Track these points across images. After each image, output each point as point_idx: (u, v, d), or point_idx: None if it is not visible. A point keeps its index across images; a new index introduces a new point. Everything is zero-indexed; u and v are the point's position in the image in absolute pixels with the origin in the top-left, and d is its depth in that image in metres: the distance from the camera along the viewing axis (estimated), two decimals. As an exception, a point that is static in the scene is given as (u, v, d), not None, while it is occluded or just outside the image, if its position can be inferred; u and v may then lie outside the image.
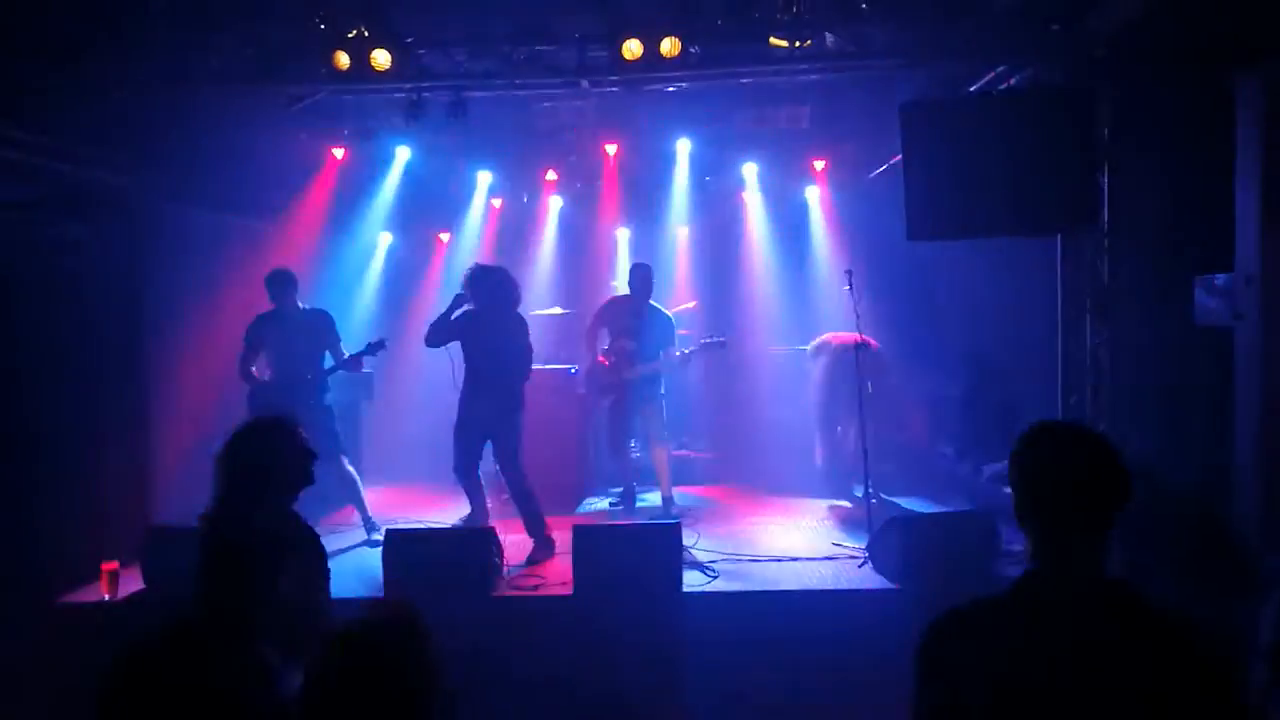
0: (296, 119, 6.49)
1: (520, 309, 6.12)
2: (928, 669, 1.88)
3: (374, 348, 6.19)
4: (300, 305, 6.35)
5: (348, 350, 6.25)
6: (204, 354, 6.83)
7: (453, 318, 6.05)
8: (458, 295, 6.10)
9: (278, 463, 2.99)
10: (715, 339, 7.06)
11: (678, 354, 6.99)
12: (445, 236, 9.63)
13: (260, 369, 6.24)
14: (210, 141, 6.42)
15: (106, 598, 5.05)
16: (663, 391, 7.08)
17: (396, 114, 6.24)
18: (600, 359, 7.05)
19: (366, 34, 5.46)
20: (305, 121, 6.88)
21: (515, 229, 9.51)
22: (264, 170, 7.19)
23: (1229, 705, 1.71)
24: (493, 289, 5.98)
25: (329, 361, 6.28)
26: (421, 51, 5.71)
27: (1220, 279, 4.57)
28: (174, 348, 6.53)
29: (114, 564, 5.08)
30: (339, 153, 7.81)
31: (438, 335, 6.04)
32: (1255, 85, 4.41)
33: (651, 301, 7.08)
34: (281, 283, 6.28)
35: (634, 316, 7.00)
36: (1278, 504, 4.10)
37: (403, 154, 8.01)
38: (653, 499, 7.71)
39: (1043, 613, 1.81)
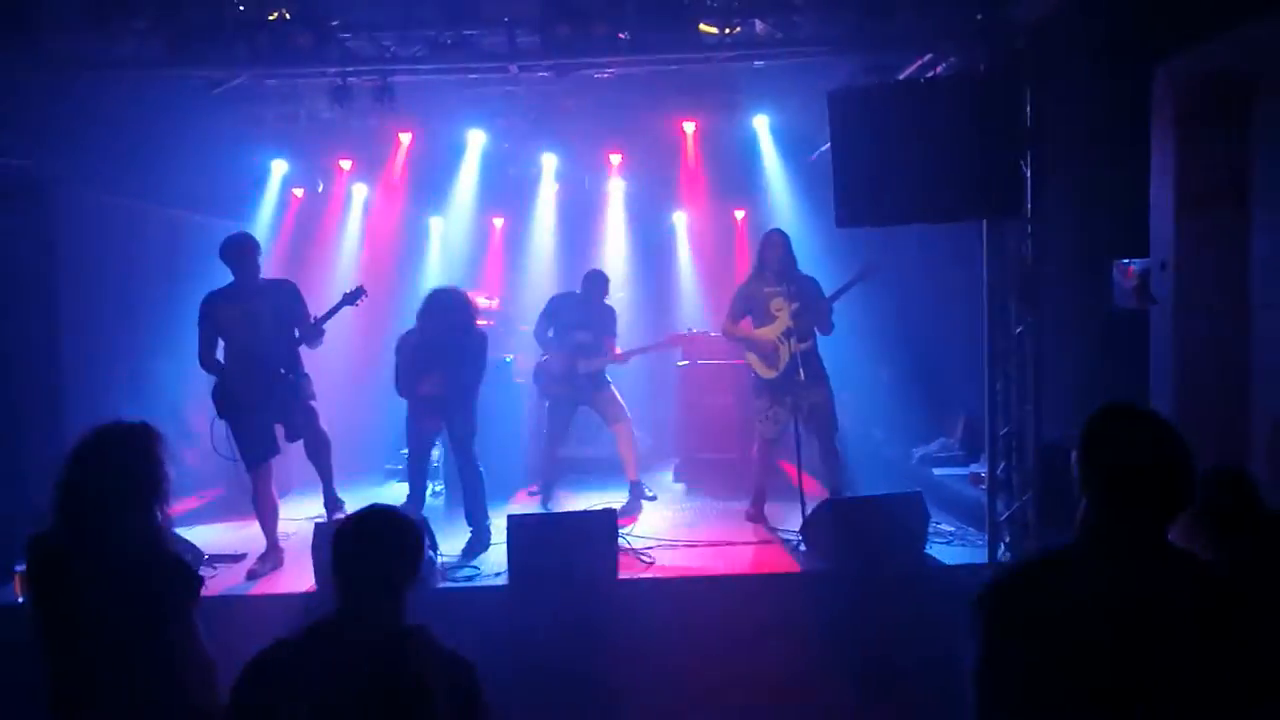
0: (218, 104, 6.30)
1: (479, 324, 6.06)
2: (990, 625, 1.90)
3: (352, 296, 5.59)
4: (262, 277, 5.60)
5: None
6: (125, 347, 6.62)
7: (406, 352, 5.94)
8: (402, 338, 5.99)
9: (129, 476, 2.59)
10: (666, 342, 7.19)
11: (620, 350, 7.04)
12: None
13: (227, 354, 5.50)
14: (129, 128, 6.20)
15: (21, 600, 4.87)
16: (609, 379, 7.10)
17: (323, 98, 6.09)
18: (558, 352, 7.00)
19: (288, 16, 5.32)
20: (228, 107, 6.68)
21: (447, 216, 9.38)
22: (186, 157, 6.96)
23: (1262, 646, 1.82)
24: (447, 313, 5.86)
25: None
26: (346, 36, 5.58)
27: (1137, 264, 4.72)
28: (93, 340, 6.30)
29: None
30: (263, 139, 7.60)
31: (408, 384, 5.92)
32: (1169, 76, 4.55)
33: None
34: (240, 250, 5.44)
35: (584, 310, 6.99)
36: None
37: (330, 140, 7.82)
38: (589, 487, 7.73)
39: (1106, 567, 1.86)
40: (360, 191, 9.26)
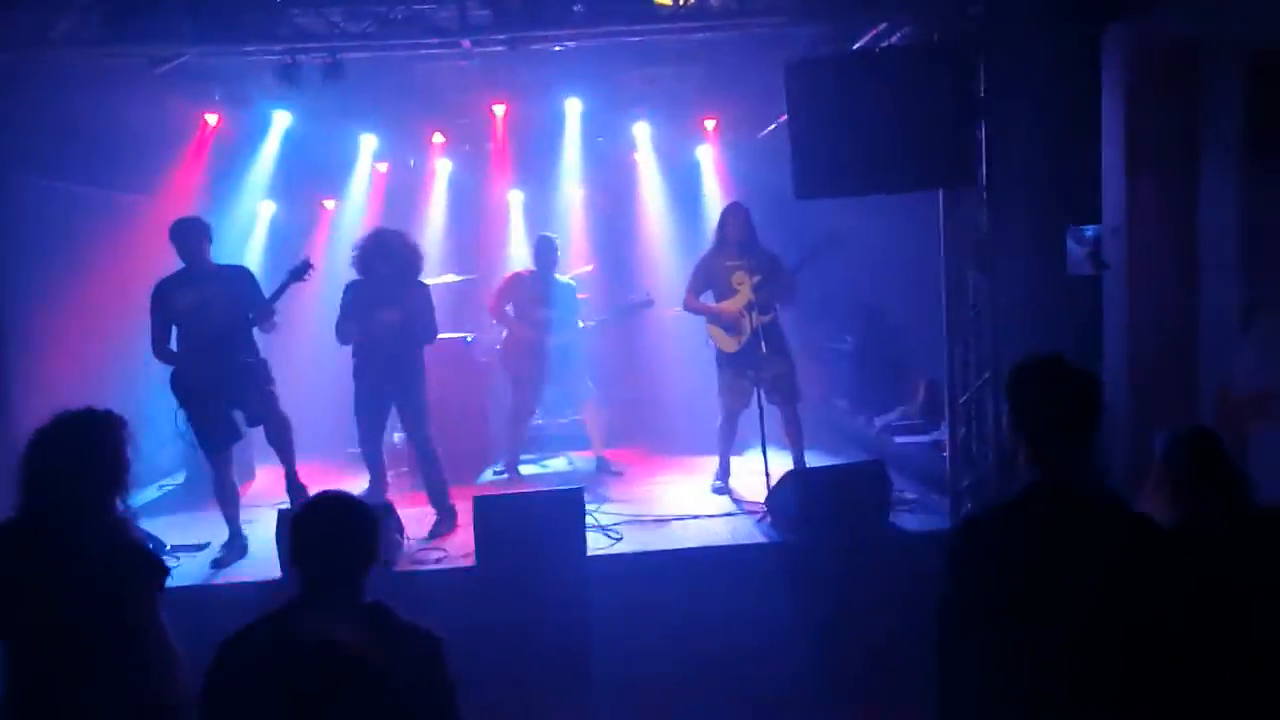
0: (162, 84, 6.13)
1: (421, 276, 5.95)
2: (951, 565, 2.23)
3: (298, 271, 5.34)
4: (214, 262, 5.45)
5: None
6: (74, 335, 6.47)
7: (347, 297, 5.83)
8: (349, 285, 5.88)
9: (94, 464, 2.56)
10: (644, 298, 7.24)
11: (584, 324, 7.08)
12: (330, 204, 9.32)
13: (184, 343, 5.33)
14: (67, 109, 6.01)
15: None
16: (574, 355, 7.09)
17: (270, 76, 5.95)
18: (521, 331, 6.96)
19: (233, -9, 5.19)
20: (172, 86, 6.51)
21: (403, 194, 9.26)
22: (130, 139, 6.79)
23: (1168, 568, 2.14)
24: (389, 257, 5.78)
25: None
26: (295, 11, 5.45)
27: (1089, 230, 4.79)
28: (39, 329, 6.15)
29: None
30: (212, 119, 7.43)
31: (347, 332, 5.80)
32: (1118, 42, 4.60)
33: (555, 274, 7.10)
34: (191, 233, 5.30)
35: (544, 288, 6.98)
36: (1144, 445, 4.34)
37: (281, 119, 7.67)
38: (556, 464, 7.74)
39: (1046, 513, 2.17)
40: (316, 170, 9.10)
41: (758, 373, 6.05)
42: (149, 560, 2.61)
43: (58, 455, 2.55)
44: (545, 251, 7.03)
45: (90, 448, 2.57)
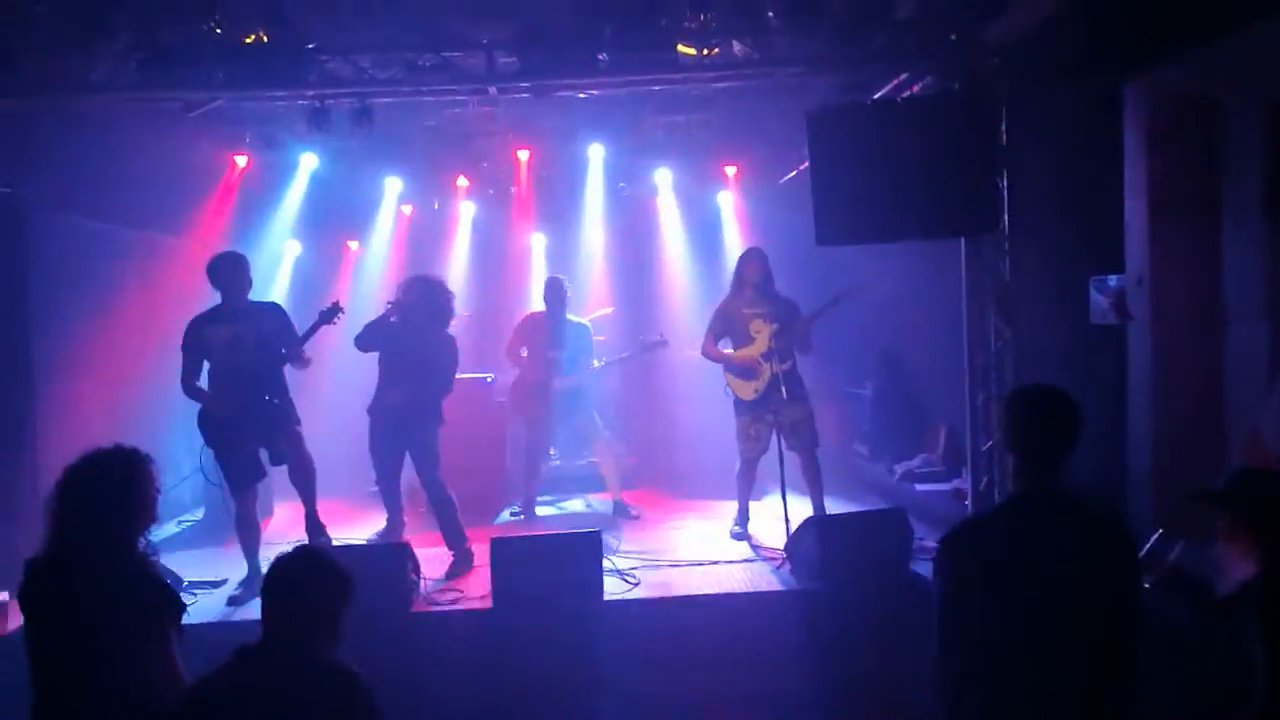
0: (195, 126, 6.28)
1: (451, 327, 6.03)
2: (942, 566, 2.58)
3: (328, 314, 5.38)
4: (249, 299, 5.47)
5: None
6: (100, 372, 6.55)
7: (384, 323, 5.91)
8: (391, 303, 5.96)
9: (123, 500, 2.64)
10: (658, 338, 7.29)
11: (599, 363, 7.13)
12: (354, 245, 9.44)
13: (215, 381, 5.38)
14: (102, 150, 6.15)
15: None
16: (587, 399, 7.12)
17: (300, 121, 6.08)
18: (531, 372, 7.00)
19: (265, 39, 5.31)
20: (204, 129, 6.66)
21: (427, 236, 9.37)
22: (162, 180, 6.92)
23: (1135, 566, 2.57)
24: (429, 301, 5.86)
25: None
26: (325, 58, 5.58)
27: (1113, 280, 4.77)
28: (67, 366, 6.23)
29: (4, 594, 4.81)
30: (241, 160, 7.57)
31: (370, 339, 5.88)
32: (1139, 93, 4.62)
33: (568, 315, 7.14)
34: (231, 269, 5.32)
35: (553, 328, 7.05)
36: (1168, 496, 4.29)
37: (308, 161, 7.81)
38: (573, 506, 7.72)
39: (1029, 518, 2.53)
40: (341, 212, 9.22)
41: (776, 417, 6.04)
42: (165, 596, 2.63)
43: (88, 492, 2.60)
44: (554, 292, 7.10)
45: (118, 485, 2.63)
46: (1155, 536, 3.03)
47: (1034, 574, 2.48)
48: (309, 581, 2.38)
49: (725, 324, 6.35)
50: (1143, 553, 2.88)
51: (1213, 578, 3.03)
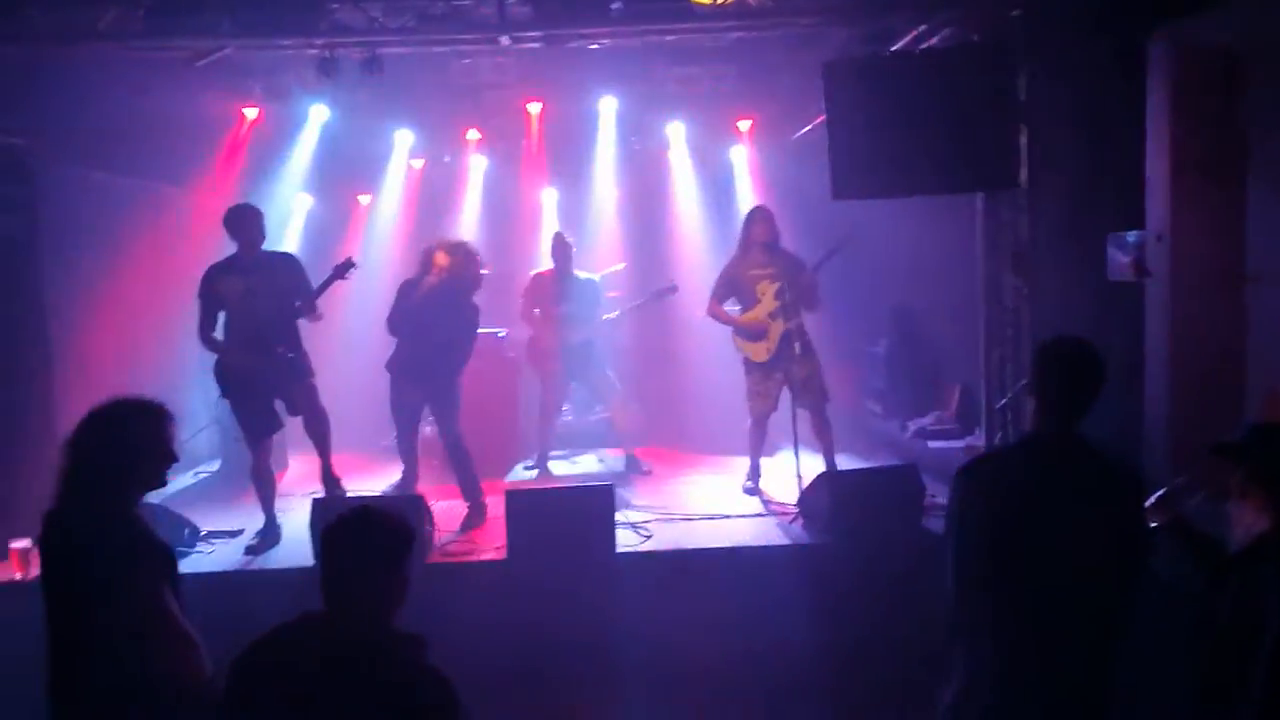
0: (203, 77, 6.21)
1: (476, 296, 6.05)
2: (955, 497, 2.69)
3: (342, 269, 5.43)
4: (264, 250, 5.47)
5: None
6: (114, 324, 6.57)
7: (404, 293, 5.96)
8: (404, 284, 5.98)
9: (132, 456, 2.57)
10: (667, 286, 7.29)
11: (611, 314, 7.11)
12: (365, 199, 9.39)
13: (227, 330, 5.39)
14: (111, 102, 6.09)
15: (18, 577, 4.86)
16: (598, 353, 7.12)
17: (309, 71, 6.00)
18: (543, 327, 7.00)
19: (274, -13, 5.24)
20: (213, 80, 6.59)
21: (438, 190, 9.31)
22: (171, 131, 6.86)
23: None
24: (462, 266, 5.88)
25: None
26: (334, 5, 5.50)
27: (1132, 236, 4.71)
28: (81, 317, 6.25)
29: (25, 541, 4.87)
30: (251, 112, 7.50)
31: (401, 320, 5.94)
32: (1164, 48, 4.52)
33: (575, 271, 7.13)
34: (245, 220, 5.35)
35: (561, 284, 7.04)
36: (1184, 454, 4.27)
37: (319, 114, 7.73)
38: (586, 461, 7.75)
39: (1042, 458, 2.63)
40: (351, 164, 9.17)
41: (786, 375, 6.05)
42: (149, 548, 2.59)
43: (92, 444, 2.58)
44: (559, 249, 7.08)
45: (123, 437, 2.58)
46: (1178, 481, 3.02)
47: (1039, 513, 2.53)
48: (374, 541, 2.23)
49: (731, 285, 6.31)
50: (1160, 494, 2.86)
51: (1223, 534, 3.04)
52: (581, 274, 7.20)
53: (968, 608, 2.66)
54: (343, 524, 2.24)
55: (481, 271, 6.11)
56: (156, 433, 2.63)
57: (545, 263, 7.57)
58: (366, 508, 2.30)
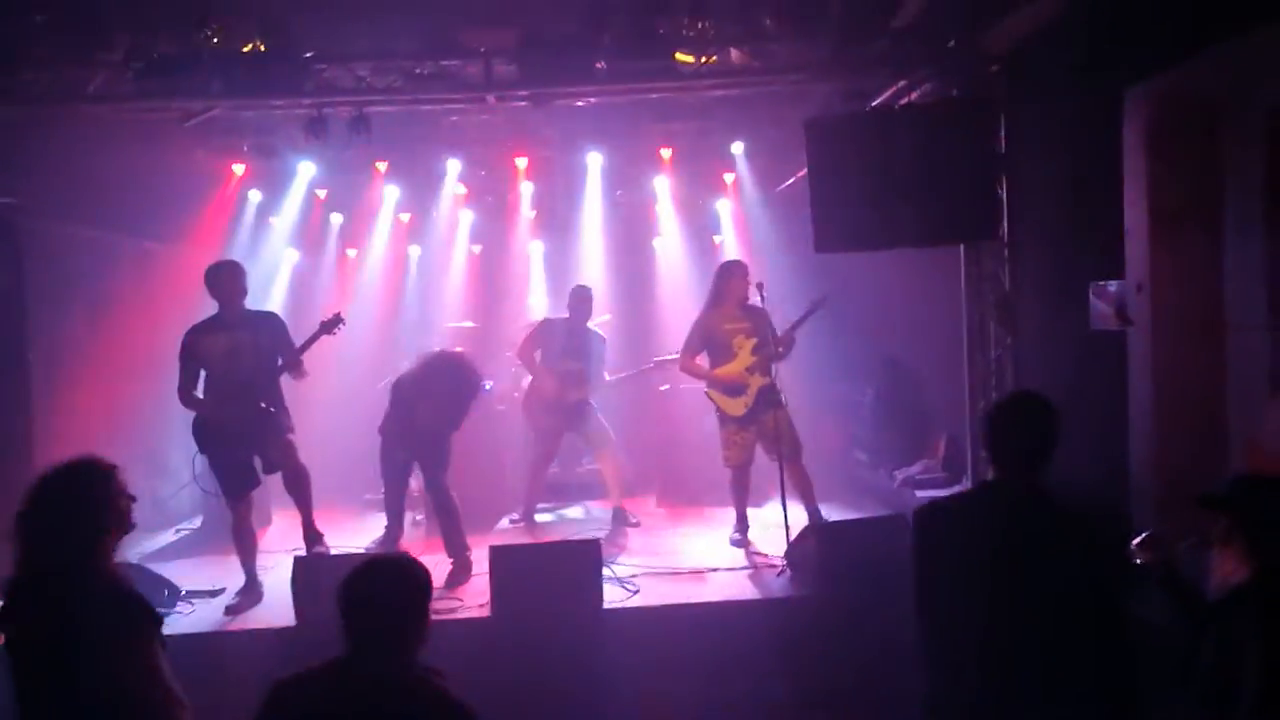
0: (191, 135, 6.27)
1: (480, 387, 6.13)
2: (916, 544, 2.77)
3: (329, 325, 5.40)
4: (246, 308, 5.46)
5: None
6: (99, 380, 6.53)
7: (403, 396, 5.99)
8: (395, 395, 6.03)
9: (89, 514, 2.54)
10: (667, 358, 7.29)
11: (610, 376, 7.08)
12: (353, 253, 9.43)
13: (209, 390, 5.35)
14: (99, 159, 6.14)
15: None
16: (594, 405, 7.09)
17: (298, 129, 6.07)
18: (545, 381, 6.95)
19: (262, 48, 5.31)
20: (201, 138, 6.66)
21: (425, 244, 9.38)
22: (159, 188, 6.93)
23: (1114, 564, 2.65)
24: (453, 383, 5.90)
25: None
26: (322, 66, 5.58)
27: (1113, 285, 4.76)
28: (65, 374, 6.22)
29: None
30: (239, 169, 7.57)
31: (395, 429, 5.99)
32: (1140, 100, 4.62)
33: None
34: (228, 277, 5.33)
35: (572, 337, 6.95)
36: (1170, 504, 4.27)
37: (306, 170, 7.80)
38: (572, 514, 7.69)
39: (996, 505, 2.68)
40: (336, 220, 9.24)
41: (760, 426, 6.07)
42: (142, 610, 2.57)
43: (47, 509, 2.55)
44: (581, 302, 6.97)
45: (82, 498, 2.56)
46: (1167, 528, 3.02)
47: (991, 561, 2.58)
48: (396, 588, 2.33)
49: (704, 339, 6.27)
50: (1148, 534, 2.86)
51: (1203, 582, 3.04)
52: (589, 327, 7.13)
53: (937, 660, 2.73)
54: (368, 571, 2.34)
55: (476, 387, 6.11)
56: (111, 483, 2.61)
57: (535, 314, 7.59)
58: (384, 557, 2.47)
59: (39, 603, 2.50)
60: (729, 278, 6.22)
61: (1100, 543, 2.64)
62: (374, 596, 2.29)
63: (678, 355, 7.20)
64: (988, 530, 2.62)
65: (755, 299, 6.06)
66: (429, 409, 5.83)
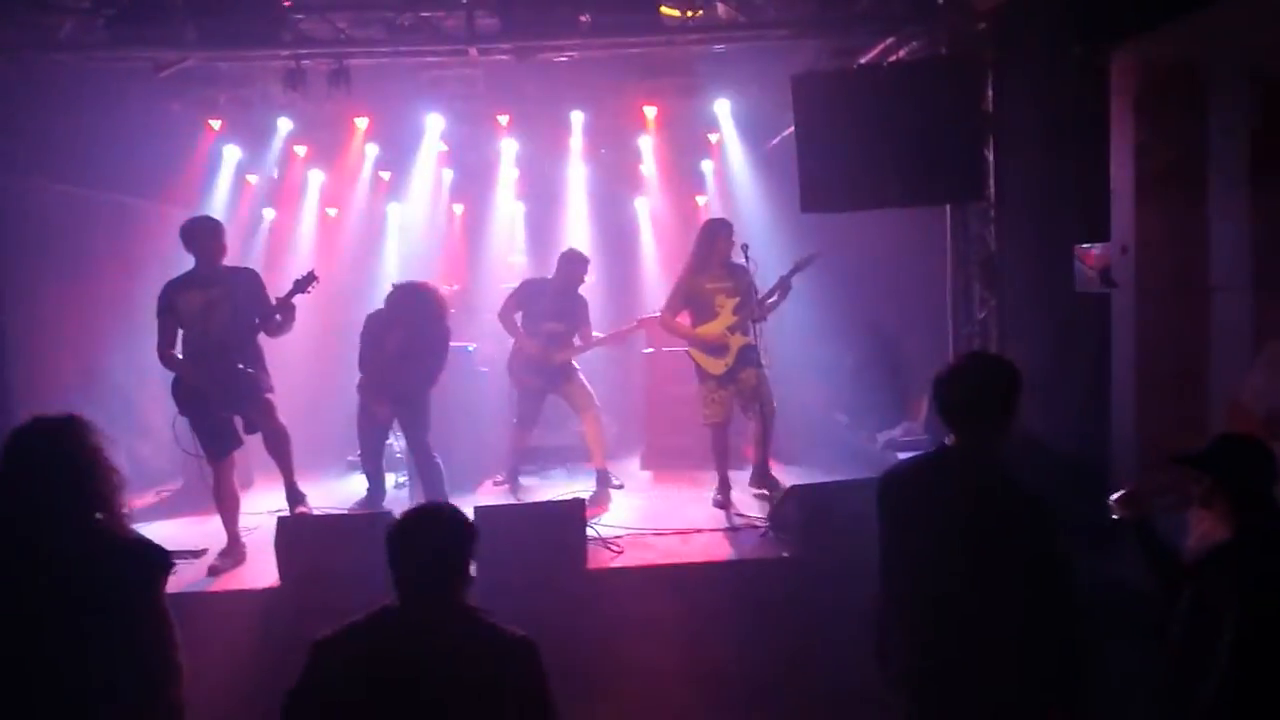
0: (168, 88, 6.13)
1: (448, 320, 6.02)
2: (878, 510, 2.79)
3: (303, 283, 5.31)
4: (223, 264, 5.33)
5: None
6: (75, 339, 6.45)
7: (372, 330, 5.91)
8: (365, 330, 5.95)
9: (70, 471, 2.45)
10: (629, 327, 7.26)
11: (597, 334, 7.01)
12: (333, 212, 9.31)
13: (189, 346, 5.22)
14: (73, 114, 6.00)
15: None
16: (577, 366, 7.05)
17: (275, 84, 5.95)
18: (529, 344, 6.89)
19: (239, -2, 5.18)
20: (178, 91, 6.51)
21: (405, 202, 9.26)
22: (136, 144, 6.75)
23: (1048, 541, 2.53)
24: (417, 308, 5.82)
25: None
26: (300, 16, 5.45)
27: (1098, 248, 4.76)
28: (40, 334, 6.12)
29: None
30: (216, 124, 7.42)
31: (371, 360, 5.91)
32: (1127, 62, 4.59)
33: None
34: (206, 234, 5.21)
35: (557, 299, 6.84)
36: (1151, 459, 4.31)
37: (284, 126, 7.66)
38: (555, 476, 7.69)
39: (951, 472, 2.65)
40: (316, 178, 9.10)
41: (738, 386, 6.10)
42: (151, 553, 2.54)
43: (28, 471, 2.47)
44: (570, 266, 6.86)
45: (59, 456, 2.48)
46: (1148, 481, 3.05)
47: (924, 527, 2.63)
48: (444, 533, 2.41)
49: (686, 298, 6.25)
50: (1128, 490, 2.89)
51: (1179, 541, 3.08)
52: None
53: (890, 604, 2.79)
54: (417, 519, 2.44)
55: (442, 308, 6.03)
56: (89, 442, 2.54)
57: (514, 274, 7.51)
58: (428, 505, 2.54)
59: (25, 569, 2.42)
60: (713, 237, 6.16)
61: (1048, 524, 2.55)
62: (425, 542, 2.37)
63: (634, 326, 7.21)
64: (940, 500, 2.60)
65: (740, 259, 6.02)
66: (398, 338, 5.77)
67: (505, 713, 2.29)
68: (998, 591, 2.50)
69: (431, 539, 2.39)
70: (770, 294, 6.03)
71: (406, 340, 5.78)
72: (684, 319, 6.29)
